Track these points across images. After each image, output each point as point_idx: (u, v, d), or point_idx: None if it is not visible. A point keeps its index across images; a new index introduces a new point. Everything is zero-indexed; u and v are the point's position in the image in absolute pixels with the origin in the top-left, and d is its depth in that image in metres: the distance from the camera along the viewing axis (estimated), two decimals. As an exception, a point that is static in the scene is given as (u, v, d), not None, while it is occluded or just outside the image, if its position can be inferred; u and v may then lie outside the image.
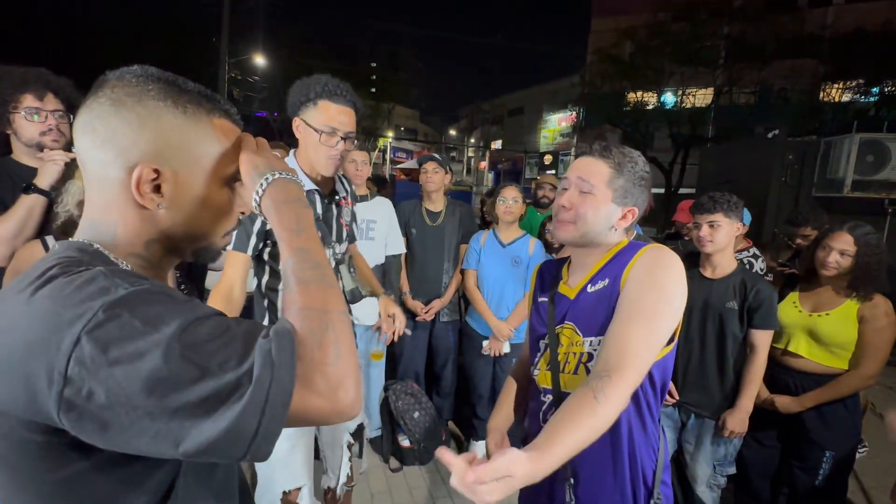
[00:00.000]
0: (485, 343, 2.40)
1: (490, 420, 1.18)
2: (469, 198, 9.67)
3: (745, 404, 1.68)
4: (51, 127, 1.48)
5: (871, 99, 11.48)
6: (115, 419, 0.42)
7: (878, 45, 10.18)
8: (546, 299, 1.10)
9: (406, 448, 2.43)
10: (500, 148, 31.32)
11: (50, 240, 1.29)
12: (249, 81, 15.73)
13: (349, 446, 1.57)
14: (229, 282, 1.32)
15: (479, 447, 2.56)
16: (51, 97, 1.49)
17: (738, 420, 1.68)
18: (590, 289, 1.00)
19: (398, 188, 6.97)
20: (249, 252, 1.34)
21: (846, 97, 12.08)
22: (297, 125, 1.36)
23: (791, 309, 1.81)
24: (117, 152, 0.53)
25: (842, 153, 4.60)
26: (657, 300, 0.87)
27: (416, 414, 2.42)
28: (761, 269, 2.36)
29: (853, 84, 11.70)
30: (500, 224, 2.42)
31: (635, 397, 0.93)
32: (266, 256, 1.40)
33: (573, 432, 0.75)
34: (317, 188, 1.42)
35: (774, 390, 1.81)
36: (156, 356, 0.43)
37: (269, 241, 1.36)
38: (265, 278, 1.42)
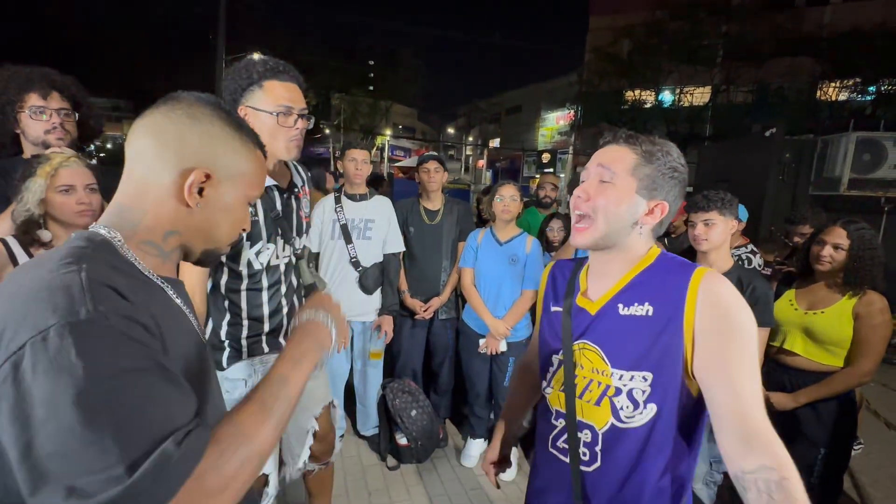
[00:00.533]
0: (481, 341, 2.40)
1: (487, 452, 1.17)
2: (467, 196, 9.66)
3: None
4: (55, 125, 1.49)
5: (868, 98, 11.52)
6: (12, 428, 0.46)
7: (875, 43, 10.21)
8: (560, 310, 0.96)
9: (403, 446, 2.43)
10: (499, 146, 31.29)
11: (11, 240, 1.25)
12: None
13: (314, 433, 1.54)
14: (190, 289, 1.31)
15: (475, 445, 2.56)
16: (56, 96, 1.50)
17: None
18: (622, 310, 0.85)
19: (396, 186, 6.96)
20: None
21: (843, 96, 12.11)
22: (245, 114, 1.26)
23: (787, 307, 1.81)
24: (176, 154, 0.63)
25: (838, 151, 4.62)
26: (747, 345, 0.77)
27: (414, 412, 2.41)
28: (759, 265, 2.37)
29: (850, 83, 11.74)
30: (498, 222, 2.41)
31: (689, 430, 0.85)
32: (223, 258, 1.34)
33: None
34: (275, 183, 1.35)
35: (770, 389, 1.81)
36: (69, 396, 0.45)
37: None
38: (224, 279, 1.38)
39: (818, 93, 12.46)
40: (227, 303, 1.39)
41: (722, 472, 1.80)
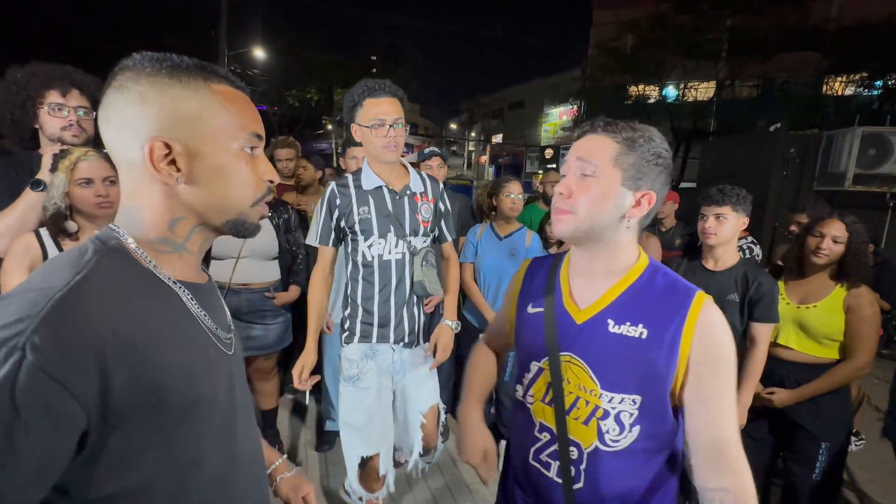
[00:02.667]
0: (481, 336, 2.40)
1: (473, 443, 0.98)
2: (470, 191, 9.66)
3: (744, 397, 1.68)
4: (72, 122, 1.51)
5: (875, 93, 11.39)
6: None
7: (882, 37, 10.07)
8: (541, 310, 0.89)
9: (404, 440, 2.43)
10: (501, 142, 31.21)
11: (43, 231, 1.33)
12: (249, 75, 15.65)
13: (421, 426, 1.72)
14: (324, 269, 1.62)
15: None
16: (75, 93, 1.52)
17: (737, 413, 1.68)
18: (612, 326, 0.81)
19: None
20: (331, 244, 1.58)
21: (849, 90, 12.00)
22: (354, 130, 1.51)
23: (779, 301, 1.79)
24: (131, 133, 0.54)
25: (844, 147, 4.57)
26: (730, 378, 0.78)
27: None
28: (758, 255, 2.40)
29: (856, 77, 11.61)
30: (499, 218, 2.42)
31: (671, 450, 0.86)
32: (349, 249, 1.60)
33: None
34: (383, 184, 1.56)
35: (767, 383, 1.81)
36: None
37: (343, 236, 1.59)
38: (349, 268, 1.62)
39: (824, 87, 12.35)
40: (347, 289, 1.63)
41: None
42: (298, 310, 2.41)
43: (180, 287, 0.59)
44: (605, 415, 0.81)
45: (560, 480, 0.86)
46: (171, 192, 0.57)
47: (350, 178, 1.58)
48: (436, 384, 1.75)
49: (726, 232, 1.69)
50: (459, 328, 2.12)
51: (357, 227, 1.54)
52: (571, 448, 0.84)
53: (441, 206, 1.70)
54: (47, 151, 1.42)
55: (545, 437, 0.88)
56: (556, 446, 0.86)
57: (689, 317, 0.77)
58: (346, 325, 1.62)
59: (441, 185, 1.72)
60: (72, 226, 1.33)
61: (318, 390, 2.84)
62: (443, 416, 1.81)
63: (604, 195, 0.78)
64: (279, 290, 2.25)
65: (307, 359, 1.53)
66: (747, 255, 2.40)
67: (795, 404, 1.74)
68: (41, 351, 0.42)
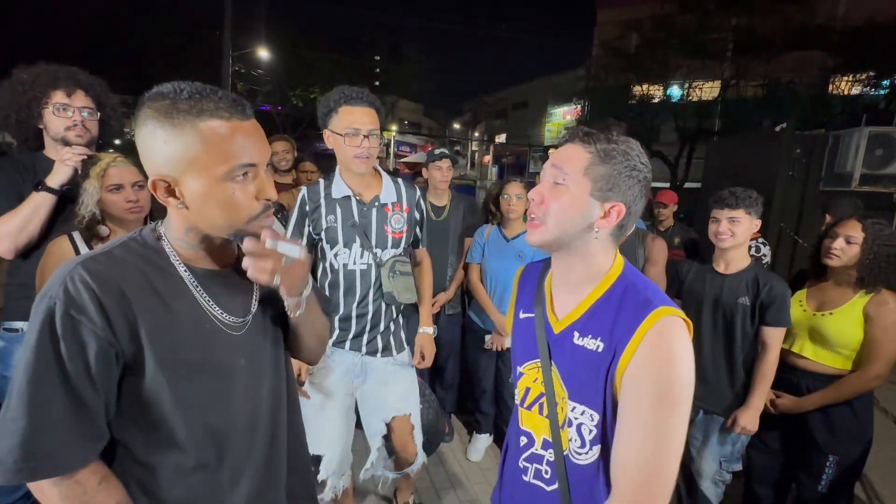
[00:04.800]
0: (487, 337, 2.41)
1: None
2: (473, 192, 9.65)
3: (757, 402, 1.66)
4: (76, 122, 1.52)
5: (881, 92, 11.30)
6: None
7: (889, 36, 9.99)
8: (531, 316, 0.91)
9: (410, 440, 2.44)
10: (504, 142, 31.16)
11: (76, 235, 1.35)
12: (253, 75, 15.69)
13: (387, 436, 1.68)
14: None
15: (481, 440, 2.57)
16: (80, 94, 1.53)
17: (749, 418, 1.66)
18: (576, 338, 0.81)
19: (402, 182, 6.94)
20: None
21: (856, 90, 11.90)
22: (327, 136, 1.49)
23: (796, 308, 1.75)
24: (146, 165, 0.69)
25: (850, 147, 4.53)
26: (670, 408, 0.71)
27: (420, 406, 2.43)
28: (766, 255, 2.39)
29: (863, 77, 11.52)
30: (504, 219, 2.41)
31: None
32: (319, 255, 1.62)
33: None
34: (349, 193, 1.54)
35: (783, 390, 1.76)
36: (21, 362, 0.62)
37: (315, 242, 1.58)
38: (319, 274, 1.62)
39: (830, 87, 12.26)
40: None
41: (731, 472, 1.79)
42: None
43: (186, 272, 0.74)
44: (569, 423, 0.82)
45: (537, 483, 0.88)
46: (177, 212, 0.72)
47: (322, 184, 1.56)
48: (405, 393, 1.69)
49: (740, 235, 1.67)
50: (437, 333, 2.07)
51: (323, 235, 1.54)
52: (549, 450, 0.86)
53: (416, 213, 1.66)
54: (65, 155, 1.42)
55: (523, 440, 0.91)
56: (533, 450, 0.89)
57: (637, 331, 0.73)
58: None
59: (418, 193, 1.68)
60: (104, 230, 1.36)
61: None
62: (418, 426, 1.73)
63: (571, 204, 0.79)
64: None
65: None
66: (754, 253, 2.39)
67: (810, 414, 1.68)
68: (63, 301, 0.63)
